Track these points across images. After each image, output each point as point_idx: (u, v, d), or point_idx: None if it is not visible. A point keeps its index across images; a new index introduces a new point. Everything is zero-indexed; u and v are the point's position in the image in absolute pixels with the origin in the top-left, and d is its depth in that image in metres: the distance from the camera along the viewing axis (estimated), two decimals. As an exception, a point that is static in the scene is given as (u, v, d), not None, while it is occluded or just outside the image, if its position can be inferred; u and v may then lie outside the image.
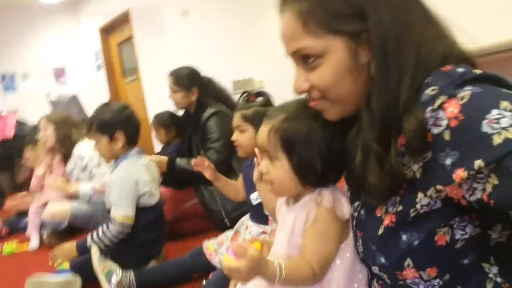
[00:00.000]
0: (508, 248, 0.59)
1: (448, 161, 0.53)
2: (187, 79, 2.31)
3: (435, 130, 0.55)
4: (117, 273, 1.56)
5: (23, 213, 2.88)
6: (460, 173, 0.51)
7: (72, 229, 2.54)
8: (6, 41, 5.20)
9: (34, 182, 2.95)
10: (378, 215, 0.66)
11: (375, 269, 0.69)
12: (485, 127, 0.49)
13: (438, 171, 0.55)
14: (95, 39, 5.33)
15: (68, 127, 2.64)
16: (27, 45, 5.38)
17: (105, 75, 5.37)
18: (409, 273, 0.62)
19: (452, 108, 0.53)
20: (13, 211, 3.01)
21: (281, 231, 0.84)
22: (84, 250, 1.63)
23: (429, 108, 0.56)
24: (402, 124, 0.58)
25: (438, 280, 0.61)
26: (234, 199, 1.54)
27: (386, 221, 0.64)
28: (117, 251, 1.69)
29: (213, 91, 2.35)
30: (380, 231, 0.65)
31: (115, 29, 5.11)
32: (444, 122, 0.54)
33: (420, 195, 0.58)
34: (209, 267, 1.52)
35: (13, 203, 2.76)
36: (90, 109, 3.22)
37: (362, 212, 0.73)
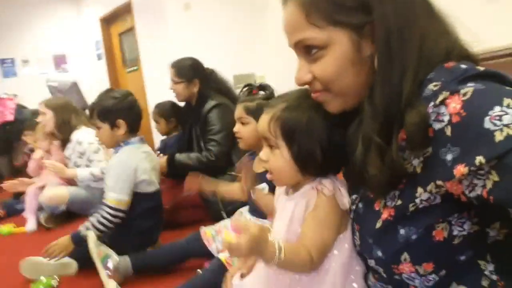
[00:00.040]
0: (505, 246, 0.60)
1: (449, 157, 0.53)
2: (189, 70, 2.30)
3: (437, 126, 0.55)
4: (113, 258, 1.57)
5: (21, 195, 2.89)
6: (460, 169, 0.51)
7: (70, 213, 2.56)
8: (6, 27, 5.19)
9: (31, 165, 2.96)
10: (377, 208, 0.66)
11: (371, 262, 0.70)
12: (487, 124, 0.49)
13: (438, 166, 0.55)
14: (96, 28, 5.31)
15: (68, 113, 2.64)
16: (27, 31, 5.38)
17: (105, 64, 5.36)
18: (405, 268, 0.63)
19: (455, 104, 0.53)
20: (11, 191, 3.01)
21: (279, 219, 0.85)
22: (79, 241, 1.63)
23: (431, 104, 0.56)
24: (404, 118, 0.58)
25: (433, 275, 0.62)
26: (242, 199, 1.47)
27: (385, 215, 0.64)
28: (114, 238, 1.69)
29: (215, 83, 2.35)
30: (378, 225, 0.65)
31: (117, 19, 5.08)
32: (446, 118, 0.54)
33: (420, 190, 0.58)
34: (205, 253, 1.53)
35: (11, 183, 2.76)
36: (90, 98, 3.22)
37: (360, 205, 0.74)
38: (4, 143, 4.34)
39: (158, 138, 3.16)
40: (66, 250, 1.64)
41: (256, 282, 0.86)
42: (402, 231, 0.62)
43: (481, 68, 0.57)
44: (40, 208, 2.63)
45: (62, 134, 2.63)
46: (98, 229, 1.64)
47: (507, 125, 0.48)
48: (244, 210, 1.50)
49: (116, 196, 1.66)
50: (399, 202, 0.62)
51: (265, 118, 0.82)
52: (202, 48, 3.38)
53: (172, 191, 2.26)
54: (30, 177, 2.96)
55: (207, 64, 2.42)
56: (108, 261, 1.56)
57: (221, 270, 1.21)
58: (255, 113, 1.30)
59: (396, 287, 0.67)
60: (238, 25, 3.65)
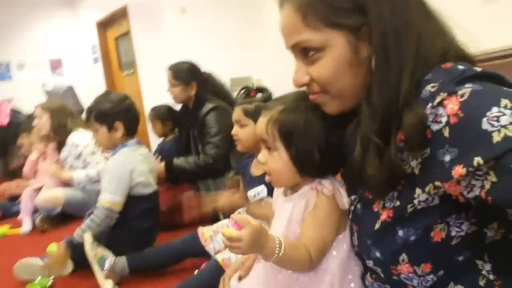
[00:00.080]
0: (503, 246, 0.60)
1: (447, 158, 0.53)
2: (186, 73, 2.31)
3: (435, 127, 0.55)
4: (110, 259, 1.57)
5: (16, 198, 2.87)
6: (459, 170, 0.52)
7: (65, 215, 2.54)
8: (2, 31, 5.18)
9: (27, 168, 2.94)
10: (375, 210, 0.66)
11: (370, 263, 0.70)
12: (485, 125, 0.50)
13: (437, 167, 0.55)
14: (92, 32, 5.31)
15: (64, 116, 2.64)
16: (23, 35, 5.36)
17: (101, 68, 5.36)
18: (404, 268, 0.63)
19: (452, 105, 0.53)
20: (6, 194, 2.99)
21: (278, 220, 0.85)
22: (75, 247, 1.61)
23: (429, 105, 0.56)
24: (402, 119, 0.58)
25: (432, 275, 0.62)
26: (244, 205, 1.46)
27: (383, 216, 0.64)
28: (112, 239, 1.69)
29: (212, 86, 2.36)
30: (377, 226, 0.65)
31: (113, 23, 5.09)
32: (444, 119, 0.54)
33: (418, 191, 0.59)
34: (202, 253, 1.52)
35: (6, 186, 2.75)
36: (86, 102, 3.21)
37: (359, 206, 0.74)
38: (-1, 147, 4.32)
39: (154, 140, 3.16)
40: (66, 261, 1.62)
41: (254, 283, 0.86)
42: (400, 232, 0.62)
43: (479, 69, 0.57)
44: (35, 210, 2.62)
45: (58, 136, 2.62)
46: (93, 229, 1.63)
47: (504, 126, 0.48)
48: (242, 210, 1.50)
49: (110, 197, 1.66)
50: (398, 203, 0.62)
51: (262, 120, 0.82)
52: (198, 51, 3.39)
53: (169, 193, 2.26)
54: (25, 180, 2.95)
55: (203, 67, 2.42)
56: (105, 262, 1.55)
57: (218, 271, 1.21)
58: (254, 115, 1.30)
59: (394, 287, 0.68)
60: (234, 29, 3.66)
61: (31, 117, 2.92)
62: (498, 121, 0.49)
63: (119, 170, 1.69)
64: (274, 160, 0.81)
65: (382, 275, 0.68)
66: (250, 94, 1.39)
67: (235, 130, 1.37)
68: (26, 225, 2.58)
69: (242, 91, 1.41)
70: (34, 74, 5.41)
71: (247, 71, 3.67)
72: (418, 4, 0.65)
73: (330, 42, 0.64)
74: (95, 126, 1.75)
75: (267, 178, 0.85)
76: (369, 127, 0.63)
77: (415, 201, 0.59)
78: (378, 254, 0.66)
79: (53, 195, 2.48)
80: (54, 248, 1.96)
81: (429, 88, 0.58)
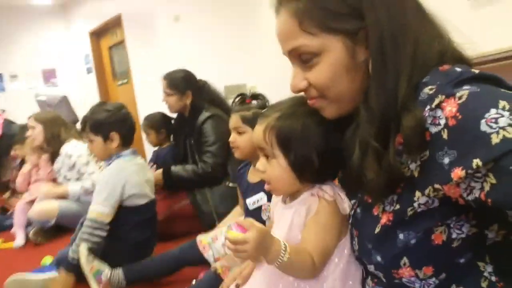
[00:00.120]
0: (504, 248, 0.60)
1: (446, 160, 0.53)
2: (181, 82, 2.31)
3: (433, 129, 0.55)
4: (106, 272, 1.55)
5: (8, 211, 2.84)
6: (458, 172, 0.52)
7: (59, 227, 2.51)
8: (-6, 42, 5.16)
9: (19, 180, 2.91)
10: (375, 213, 0.66)
11: (371, 267, 0.70)
12: (484, 126, 0.50)
13: (436, 170, 0.55)
14: (85, 42, 5.31)
15: (57, 127, 2.62)
16: (15, 46, 5.34)
17: (95, 78, 5.34)
18: (405, 272, 0.63)
19: (450, 107, 0.53)
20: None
21: (277, 228, 0.84)
22: (71, 265, 1.57)
23: (427, 107, 0.56)
24: (401, 122, 0.58)
25: (433, 279, 0.62)
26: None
27: (383, 219, 0.64)
28: (109, 252, 1.66)
29: (208, 94, 2.36)
30: (377, 230, 0.65)
31: (106, 32, 5.10)
32: (442, 121, 0.54)
33: (417, 194, 0.59)
34: (200, 261, 1.51)
35: None
36: (80, 112, 3.19)
37: (358, 210, 0.74)
38: (-9, 158, 4.27)
39: (149, 149, 3.15)
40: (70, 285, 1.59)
41: (254, 292, 0.85)
42: (401, 236, 0.62)
43: (476, 71, 0.58)
44: (29, 223, 2.58)
45: (52, 147, 2.60)
46: (87, 243, 1.60)
47: (503, 128, 0.48)
48: (239, 219, 1.49)
49: (98, 208, 1.64)
50: (397, 206, 0.62)
51: (259, 128, 0.82)
52: (193, 59, 3.40)
53: (165, 202, 2.24)
54: (18, 192, 2.91)
55: (198, 75, 2.42)
56: (101, 276, 1.53)
57: (217, 281, 1.20)
58: (252, 122, 1.29)
59: None
60: (228, 36, 3.68)
61: (23, 129, 2.90)
62: (496, 122, 0.49)
63: (112, 181, 1.67)
64: (273, 168, 0.81)
65: (384, 280, 0.68)
66: (246, 101, 1.38)
67: (233, 138, 1.36)
68: (19, 239, 2.54)
69: (238, 98, 1.41)
70: (27, 85, 5.38)
71: (242, 78, 3.68)
72: (414, 8, 0.65)
73: (327, 47, 0.64)
74: (90, 137, 1.73)
75: (266, 186, 0.84)
76: (367, 131, 0.63)
77: (415, 204, 0.59)
78: (379, 258, 0.66)
79: (46, 207, 2.45)
80: (49, 260, 1.93)
81: (427, 90, 0.58)
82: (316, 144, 0.77)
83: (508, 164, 0.48)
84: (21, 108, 4.58)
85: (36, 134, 2.61)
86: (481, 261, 0.61)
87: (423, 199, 0.58)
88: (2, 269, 2.03)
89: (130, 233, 1.71)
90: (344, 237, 0.77)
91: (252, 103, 1.36)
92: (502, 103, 0.50)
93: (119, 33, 4.81)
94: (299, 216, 0.79)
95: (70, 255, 1.58)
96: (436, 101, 0.55)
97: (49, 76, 5.64)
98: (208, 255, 1.50)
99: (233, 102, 1.43)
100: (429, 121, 0.56)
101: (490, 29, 1.90)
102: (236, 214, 1.61)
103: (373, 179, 0.62)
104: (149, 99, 3.44)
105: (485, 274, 0.61)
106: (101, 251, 1.63)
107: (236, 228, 0.67)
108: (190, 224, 2.20)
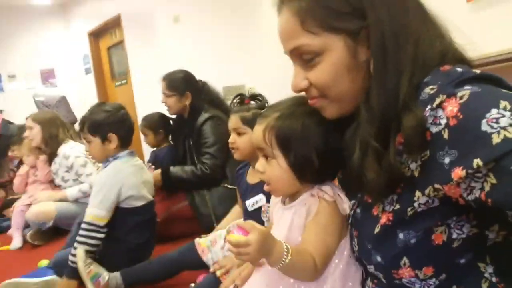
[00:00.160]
0: (504, 248, 0.60)
1: (447, 160, 0.53)
2: (181, 83, 2.30)
3: (434, 129, 0.55)
4: (104, 276, 1.53)
5: (4, 212, 2.83)
6: (458, 172, 0.52)
7: (57, 229, 2.50)
8: (-8, 42, 5.15)
9: (17, 182, 2.90)
10: (375, 213, 0.66)
11: (371, 268, 0.69)
12: (485, 126, 0.50)
13: (436, 169, 0.55)
14: (84, 42, 5.31)
15: (55, 127, 2.61)
16: (14, 45, 5.34)
17: (94, 78, 5.34)
18: (405, 272, 0.63)
19: (451, 107, 0.53)
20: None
21: (277, 229, 0.83)
22: (73, 272, 1.56)
23: (428, 107, 0.56)
24: (401, 122, 0.58)
25: (434, 279, 0.62)
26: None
27: (383, 219, 0.64)
28: (107, 255, 1.65)
29: (207, 95, 2.35)
30: (377, 230, 0.65)
31: (105, 33, 5.10)
32: (443, 121, 0.54)
33: (418, 193, 0.58)
34: (199, 264, 1.49)
35: None
36: (78, 112, 3.18)
37: (358, 211, 0.73)
38: (-12, 159, 4.25)
39: (147, 150, 3.14)
40: None
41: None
42: (401, 236, 0.62)
43: (477, 71, 0.58)
44: (26, 225, 2.57)
45: (49, 148, 2.59)
46: (82, 244, 1.59)
47: (504, 128, 0.48)
48: (239, 221, 1.48)
49: (94, 211, 1.62)
50: (397, 206, 0.62)
51: (259, 128, 0.82)
52: (191, 60, 3.40)
53: (164, 204, 2.23)
54: (15, 193, 2.90)
55: (197, 76, 2.42)
56: (99, 279, 1.51)
57: (216, 284, 1.19)
58: (252, 123, 1.28)
59: None
60: (227, 37, 3.68)
61: (21, 129, 2.89)
62: (497, 122, 0.49)
63: (108, 183, 1.65)
64: (273, 168, 0.81)
65: (384, 280, 0.68)
66: (245, 102, 1.37)
67: (233, 139, 1.35)
68: (16, 241, 2.53)
69: (236, 99, 1.40)
70: (25, 85, 5.37)
71: (240, 79, 3.68)
72: (416, 8, 0.65)
73: (328, 46, 0.64)
74: (88, 137, 1.71)
75: (266, 187, 0.84)
76: (368, 131, 0.63)
77: (415, 204, 0.59)
78: (379, 259, 0.65)
79: (44, 208, 2.44)
80: (45, 263, 1.91)
81: (428, 90, 0.58)
82: (316, 144, 0.77)
83: (508, 164, 0.48)
84: (19, 108, 4.56)
85: (34, 134, 2.60)
86: (481, 262, 0.61)
87: (423, 199, 0.58)
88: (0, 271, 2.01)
89: (128, 235, 1.69)
90: (344, 237, 0.77)
91: (251, 104, 1.35)
92: (503, 103, 0.50)
93: (118, 34, 4.82)
94: (299, 217, 0.78)
95: (70, 259, 1.57)
96: (437, 101, 0.55)
97: (47, 76, 5.63)
98: (207, 258, 1.49)
99: (232, 102, 1.43)
100: (430, 121, 0.56)
101: (490, 31, 1.90)
102: (235, 214, 1.61)
103: (373, 179, 0.62)
104: (148, 100, 3.44)
105: (486, 275, 0.61)
106: (99, 254, 1.62)
107: (237, 231, 0.67)
108: (189, 225, 2.19)
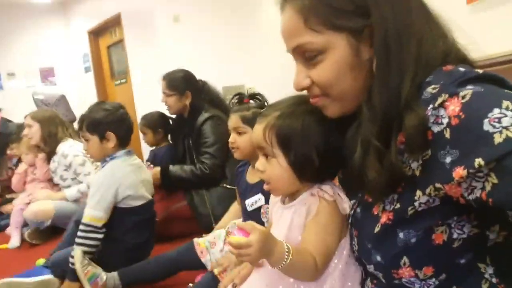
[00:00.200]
0: (505, 249, 0.60)
1: (448, 159, 0.53)
2: (181, 83, 2.30)
3: (436, 128, 0.55)
4: (101, 276, 1.53)
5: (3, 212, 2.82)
6: (459, 172, 0.51)
7: (55, 228, 2.49)
8: (-8, 40, 5.15)
9: (15, 179, 2.89)
10: (375, 213, 0.66)
11: (370, 267, 0.69)
12: (487, 126, 0.49)
13: (437, 169, 0.55)
14: (84, 41, 5.30)
15: (54, 125, 2.60)
16: (13, 43, 5.33)
17: (93, 77, 5.33)
18: (405, 272, 0.62)
19: (454, 107, 0.53)
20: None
21: (276, 228, 0.83)
22: (73, 273, 1.55)
23: (430, 106, 0.56)
24: (403, 121, 0.58)
25: (434, 279, 0.61)
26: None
27: (383, 218, 0.64)
28: (105, 255, 1.64)
29: (207, 95, 2.35)
30: (377, 229, 0.65)
31: (105, 32, 5.09)
32: (445, 120, 0.54)
33: (418, 193, 0.58)
34: (197, 264, 1.49)
35: None
36: (78, 111, 3.18)
37: (358, 210, 0.73)
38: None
39: (146, 149, 3.13)
40: None
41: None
42: (401, 235, 0.61)
43: (480, 71, 0.57)
44: (24, 224, 2.56)
45: (48, 146, 2.58)
46: (80, 245, 1.58)
47: (506, 128, 0.48)
48: (238, 221, 1.48)
49: (91, 212, 1.61)
50: (398, 205, 0.62)
51: (259, 127, 0.82)
52: (191, 60, 3.40)
53: (163, 203, 2.23)
54: (14, 192, 2.89)
55: (196, 76, 2.42)
56: (97, 280, 1.51)
57: (214, 282, 1.19)
58: (252, 122, 1.27)
59: None
60: (227, 37, 3.68)
61: (21, 127, 2.88)
62: (499, 122, 0.49)
63: (105, 184, 1.65)
64: (273, 167, 0.80)
65: (384, 280, 0.68)
66: (244, 101, 1.37)
67: (233, 138, 1.34)
68: (14, 240, 2.53)
69: (235, 98, 1.39)
70: (24, 83, 5.37)
71: (240, 79, 3.68)
72: (419, 7, 0.65)
73: (331, 44, 0.64)
74: (86, 135, 1.71)
75: (265, 186, 0.84)
76: (370, 130, 0.63)
77: (416, 203, 0.59)
78: (379, 258, 0.65)
79: (43, 207, 2.43)
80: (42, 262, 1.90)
81: (430, 89, 0.58)
82: (316, 143, 0.76)
83: (510, 164, 0.48)
84: (18, 106, 4.54)
85: (33, 132, 2.59)
86: (482, 262, 0.61)
87: (424, 198, 0.58)
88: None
89: (127, 235, 1.68)
90: (344, 237, 0.77)
91: (250, 103, 1.35)
92: (505, 103, 0.50)
93: (118, 32, 4.81)
94: (299, 216, 0.78)
95: (70, 260, 1.56)
96: (439, 100, 0.55)
97: (47, 74, 5.63)
98: (206, 260, 1.48)
99: (230, 101, 1.42)
100: (431, 120, 0.56)
101: (490, 33, 1.90)
102: (234, 212, 1.60)
103: (374, 178, 0.62)
104: (148, 99, 3.43)
105: (486, 275, 0.61)
106: (98, 254, 1.62)
107: (238, 232, 0.67)
108: (187, 225, 2.19)
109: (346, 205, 0.76)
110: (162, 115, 2.70)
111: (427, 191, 0.57)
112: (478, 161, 0.49)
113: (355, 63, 0.64)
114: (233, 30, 3.67)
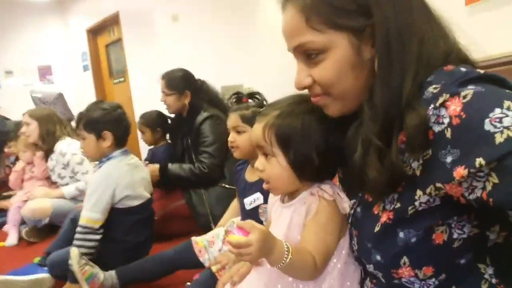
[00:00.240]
0: (505, 249, 0.60)
1: (449, 159, 0.53)
2: (180, 82, 2.29)
3: (437, 128, 0.55)
4: (99, 276, 1.52)
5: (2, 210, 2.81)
6: (460, 171, 0.51)
7: (53, 226, 2.48)
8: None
9: (13, 178, 2.88)
10: (375, 212, 0.66)
11: (370, 267, 0.69)
12: (488, 126, 0.49)
13: (438, 168, 0.55)
14: (82, 40, 5.29)
15: (52, 123, 2.59)
16: (11, 41, 5.32)
17: (91, 76, 5.32)
18: (405, 272, 0.62)
19: (455, 106, 0.53)
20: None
21: (276, 227, 0.83)
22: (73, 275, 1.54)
23: (431, 106, 0.56)
24: (404, 120, 0.58)
25: (433, 279, 0.61)
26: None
27: (383, 218, 0.64)
28: (104, 255, 1.63)
29: (206, 94, 2.35)
30: (377, 229, 0.65)
31: (104, 30, 5.09)
32: (446, 120, 0.54)
33: (419, 192, 0.58)
34: (195, 263, 1.48)
35: None
36: (76, 109, 3.18)
37: (358, 210, 0.73)
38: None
39: (145, 148, 3.13)
40: None
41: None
42: (401, 234, 0.61)
43: (481, 71, 0.58)
44: (22, 222, 2.55)
45: (46, 144, 2.57)
46: (79, 246, 1.57)
47: (507, 127, 0.48)
48: (237, 220, 1.48)
49: (88, 214, 1.61)
50: (398, 205, 0.62)
51: (258, 127, 0.81)
52: (190, 59, 3.40)
53: (161, 202, 2.22)
54: (11, 189, 2.88)
55: (195, 75, 2.41)
56: (94, 280, 1.50)
57: (213, 280, 1.18)
58: (251, 121, 1.27)
59: None
60: (226, 36, 3.67)
61: (19, 125, 2.87)
62: (501, 122, 0.49)
63: (102, 185, 1.64)
64: (272, 166, 0.80)
65: (383, 280, 0.68)
66: (242, 100, 1.37)
67: (232, 137, 1.33)
68: (11, 238, 2.52)
69: (233, 97, 1.38)
70: (22, 81, 5.36)
71: (239, 79, 3.67)
72: (420, 7, 0.65)
73: (333, 43, 0.64)
74: (83, 134, 1.70)
75: (265, 185, 0.84)
76: (370, 129, 0.63)
77: (416, 203, 0.59)
78: (379, 258, 0.65)
79: (40, 205, 2.43)
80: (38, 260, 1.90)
81: (431, 89, 0.58)
82: (316, 142, 0.76)
83: (511, 163, 0.48)
84: (16, 104, 4.53)
85: (31, 130, 2.58)
86: (481, 262, 0.61)
87: (424, 198, 0.58)
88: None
89: (127, 235, 1.68)
90: (343, 237, 0.77)
91: (249, 102, 1.34)
92: (506, 103, 0.50)
93: (116, 31, 4.81)
94: (298, 216, 0.78)
95: (70, 262, 1.54)
96: (441, 100, 0.55)
97: (45, 73, 5.62)
98: (204, 259, 1.48)
99: (229, 100, 1.41)
100: (432, 120, 0.56)
101: (489, 34, 1.91)
102: (233, 210, 1.59)
103: (375, 177, 0.62)
104: (146, 98, 3.43)
105: (486, 276, 0.61)
106: (96, 254, 1.61)
107: (237, 231, 0.66)
108: (185, 224, 2.19)
109: (345, 204, 0.76)
110: (160, 114, 2.69)
111: (428, 190, 0.57)
112: (479, 160, 0.49)
113: (357, 62, 0.64)
114: (232, 30, 3.66)
